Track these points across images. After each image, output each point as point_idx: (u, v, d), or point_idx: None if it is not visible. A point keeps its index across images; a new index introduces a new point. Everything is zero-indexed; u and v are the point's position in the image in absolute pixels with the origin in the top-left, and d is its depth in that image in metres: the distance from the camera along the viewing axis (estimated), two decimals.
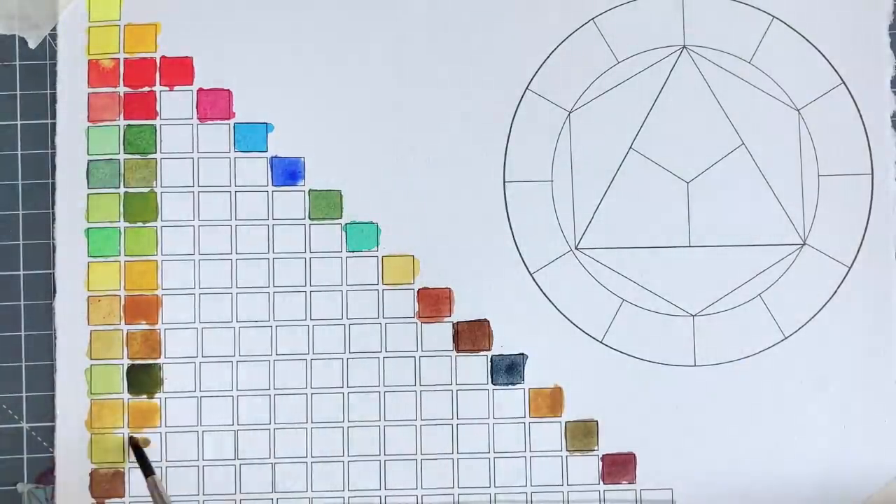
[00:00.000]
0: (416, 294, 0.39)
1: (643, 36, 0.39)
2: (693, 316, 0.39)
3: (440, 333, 0.38)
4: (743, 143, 0.39)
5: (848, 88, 0.39)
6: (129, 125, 0.39)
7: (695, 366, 0.38)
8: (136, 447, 0.37)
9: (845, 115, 0.39)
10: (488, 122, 0.39)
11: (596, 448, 0.38)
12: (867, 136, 0.39)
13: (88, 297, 0.38)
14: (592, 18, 0.39)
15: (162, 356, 0.38)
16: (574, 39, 0.39)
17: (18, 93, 0.39)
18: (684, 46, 0.39)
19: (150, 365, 0.38)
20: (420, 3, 0.39)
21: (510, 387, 0.38)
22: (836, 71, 0.39)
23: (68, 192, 0.39)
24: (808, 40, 0.39)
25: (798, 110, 0.39)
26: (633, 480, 0.38)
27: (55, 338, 0.38)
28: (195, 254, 0.38)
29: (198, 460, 0.38)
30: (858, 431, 0.38)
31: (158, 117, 0.39)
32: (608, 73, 0.39)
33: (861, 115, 0.39)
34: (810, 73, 0.39)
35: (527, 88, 0.39)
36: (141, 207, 0.39)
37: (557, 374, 0.38)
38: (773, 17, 0.39)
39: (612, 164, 0.39)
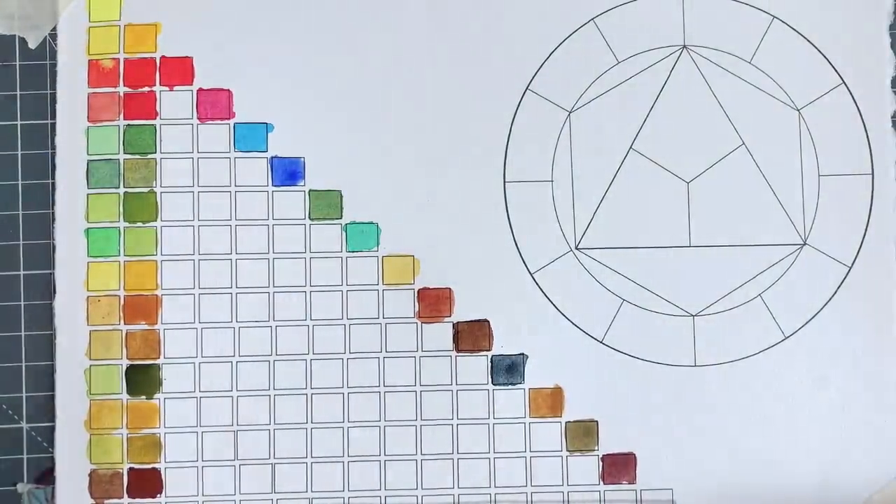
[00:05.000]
0: (416, 294, 0.39)
1: (643, 36, 0.39)
2: (693, 316, 0.39)
3: (440, 333, 0.38)
4: (743, 143, 0.39)
5: (848, 88, 0.39)
6: (128, 125, 0.39)
7: (695, 366, 0.38)
8: None
9: (846, 115, 0.39)
10: (488, 122, 0.39)
11: (596, 448, 0.38)
12: (867, 136, 0.39)
13: (88, 297, 0.38)
14: (592, 18, 0.39)
15: (161, 356, 0.38)
16: (574, 39, 0.39)
17: (18, 93, 0.39)
18: (684, 46, 0.39)
19: (150, 365, 0.38)
20: (420, 4, 0.39)
21: (510, 387, 0.38)
22: (836, 71, 0.39)
23: (68, 192, 0.39)
24: (808, 40, 0.39)
25: (798, 110, 0.39)
26: (633, 480, 0.38)
27: (55, 338, 0.38)
28: (195, 254, 0.38)
29: (197, 461, 0.38)
30: (859, 431, 0.38)
31: (158, 117, 0.39)
32: (608, 73, 0.39)
33: (861, 115, 0.39)
34: (810, 73, 0.39)
35: (527, 88, 0.39)
36: (141, 207, 0.39)
37: (557, 374, 0.38)
38: (774, 17, 0.39)
39: (612, 164, 0.39)
